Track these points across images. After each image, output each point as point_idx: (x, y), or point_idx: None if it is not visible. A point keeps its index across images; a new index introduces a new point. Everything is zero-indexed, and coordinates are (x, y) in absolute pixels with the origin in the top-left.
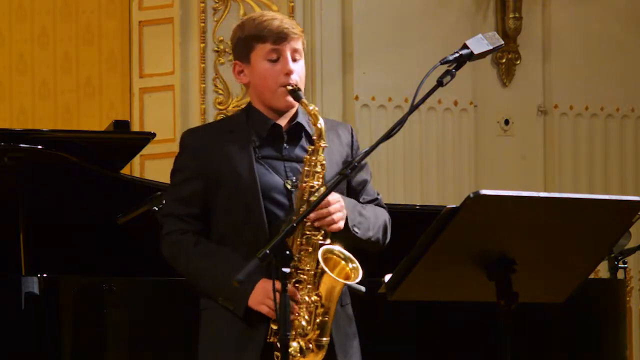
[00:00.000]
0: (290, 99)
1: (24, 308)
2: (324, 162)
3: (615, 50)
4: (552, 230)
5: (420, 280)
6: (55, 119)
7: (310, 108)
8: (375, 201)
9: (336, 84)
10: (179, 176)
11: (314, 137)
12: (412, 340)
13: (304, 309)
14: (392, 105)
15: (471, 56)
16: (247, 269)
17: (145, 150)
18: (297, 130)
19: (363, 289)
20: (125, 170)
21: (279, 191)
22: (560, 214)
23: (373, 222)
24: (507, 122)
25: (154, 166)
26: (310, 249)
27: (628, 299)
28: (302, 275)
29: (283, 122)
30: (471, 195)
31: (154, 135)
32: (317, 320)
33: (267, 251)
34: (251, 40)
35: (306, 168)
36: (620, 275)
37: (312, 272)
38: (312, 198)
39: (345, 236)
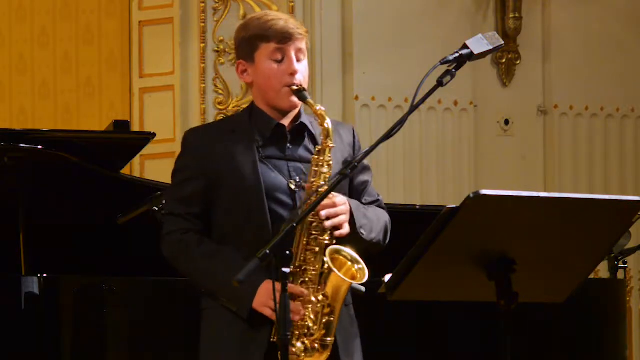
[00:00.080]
0: (294, 99)
1: (24, 308)
2: (330, 162)
3: (615, 50)
4: (552, 230)
5: (420, 280)
6: (55, 119)
7: (317, 108)
8: (376, 202)
9: (336, 84)
10: (181, 175)
11: (321, 137)
12: (412, 340)
13: (310, 309)
14: (392, 105)
15: (471, 56)
16: (247, 269)
17: (145, 150)
18: (300, 131)
19: (363, 289)
20: (125, 170)
21: (283, 191)
22: (560, 214)
23: (376, 223)
24: (507, 122)
25: (154, 166)
26: (317, 249)
27: (628, 299)
28: (307, 275)
29: (286, 122)
30: (471, 195)
31: (154, 135)
32: (324, 320)
33: (267, 251)
34: (256, 39)
35: (314, 168)
36: (620, 275)
37: (318, 273)
38: (313, 198)
39: (350, 238)
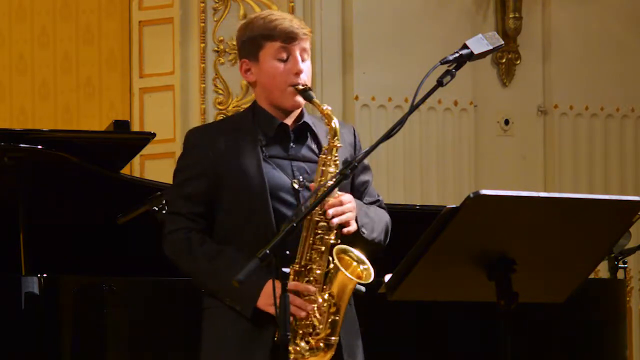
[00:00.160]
0: (298, 98)
1: (24, 308)
2: (337, 161)
3: (615, 50)
4: (552, 230)
5: (420, 280)
6: (55, 119)
7: (324, 107)
8: (377, 202)
9: (336, 84)
10: (184, 174)
11: (328, 137)
12: (412, 340)
13: (316, 307)
14: (392, 105)
15: (471, 56)
16: (247, 269)
17: (145, 150)
18: (303, 130)
19: (363, 289)
20: (125, 170)
21: (287, 190)
22: (560, 214)
23: (377, 223)
24: (507, 122)
25: (154, 166)
26: (323, 248)
27: (628, 299)
28: (312, 275)
29: (289, 121)
30: (471, 195)
31: (154, 135)
32: (329, 319)
33: (267, 251)
34: (260, 38)
35: (321, 167)
36: (620, 275)
37: (323, 272)
38: (319, 193)
39: (351, 237)
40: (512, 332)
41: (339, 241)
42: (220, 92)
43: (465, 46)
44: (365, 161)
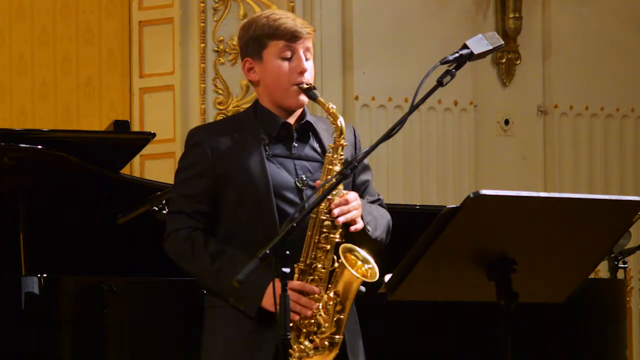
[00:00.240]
0: (302, 97)
1: (24, 308)
2: (343, 160)
3: (615, 50)
4: (552, 230)
5: (420, 280)
6: (55, 119)
7: (329, 106)
8: (377, 201)
9: (336, 84)
10: (187, 173)
11: (334, 135)
12: (412, 340)
13: (321, 306)
14: (392, 105)
15: (471, 56)
16: (247, 269)
17: (145, 150)
18: (306, 129)
19: (363, 288)
20: (125, 170)
21: (290, 189)
22: (560, 214)
23: (380, 221)
24: (507, 122)
25: (154, 166)
26: (328, 247)
27: (628, 299)
28: (316, 273)
29: (291, 120)
30: (471, 195)
31: (154, 135)
32: (335, 318)
33: (267, 251)
34: (264, 37)
35: (327, 166)
36: (620, 275)
37: (327, 270)
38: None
39: (355, 235)
40: (512, 332)
41: (344, 240)
42: (220, 92)
43: (465, 46)
44: (365, 161)
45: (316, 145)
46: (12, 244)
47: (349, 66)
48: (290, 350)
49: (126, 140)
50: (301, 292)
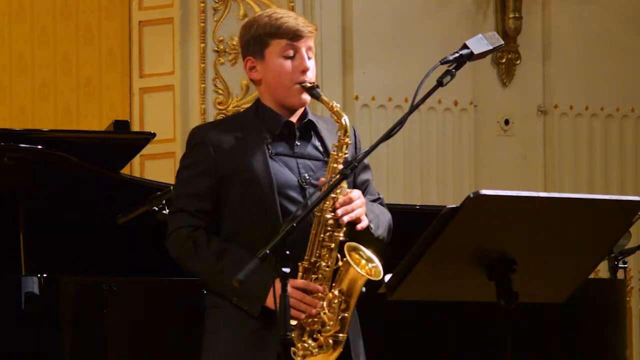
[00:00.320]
0: (305, 96)
1: (24, 308)
2: (347, 158)
3: (615, 50)
4: (552, 230)
5: (420, 280)
6: (55, 119)
7: (333, 105)
8: (377, 200)
9: (336, 84)
10: (190, 171)
11: (338, 134)
12: (412, 340)
13: (325, 304)
14: (392, 105)
15: (471, 56)
16: (248, 269)
17: (145, 150)
18: (308, 128)
19: (363, 289)
20: (125, 170)
21: (294, 188)
22: (560, 214)
23: (382, 219)
24: (507, 122)
25: (154, 166)
26: (332, 245)
27: (628, 299)
28: (320, 272)
29: (293, 119)
30: (471, 195)
31: (154, 135)
32: (340, 316)
33: (267, 251)
34: (266, 36)
35: (332, 164)
36: (620, 275)
37: (331, 269)
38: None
39: (358, 233)
40: (512, 332)
41: (347, 238)
42: (220, 92)
43: (465, 46)
44: (365, 160)
45: (318, 144)
46: (12, 244)
47: (349, 66)
48: (294, 349)
49: (126, 140)
50: (305, 291)
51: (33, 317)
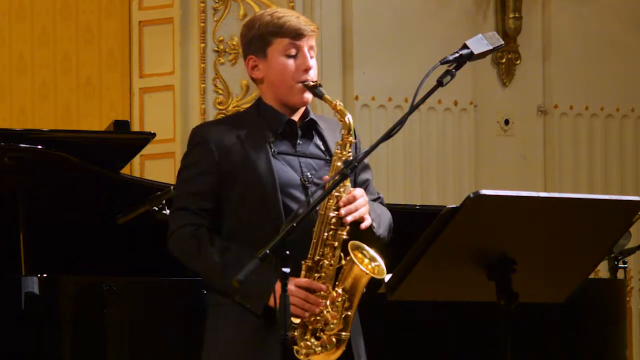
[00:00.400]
0: (307, 95)
1: (24, 308)
2: (350, 156)
3: (615, 50)
4: (552, 230)
5: (420, 280)
6: (55, 119)
7: (336, 103)
8: (377, 200)
9: (336, 84)
10: (192, 170)
11: (342, 132)
12: (412, 341)
13: (329, 303)
14: (392, 105)
15: (471, 56)
16: (248, 269)
17: (145, 150)
18: (309, 127)
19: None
20: (125, 170)
21: (296, 187)
22: (560, 214)
23: (383, 218)
24: (507, 122)
25: (154, 166)
26: (336, 244)
27: (628, 299)
28: (324, 270)
29: (295, 118)
30: (471, 195)
31: (154, 135)
32: (343, 315)
33: (267, 251)
34: (268, 35)
35: (336, 163)
36: (620, 275)
37: (335, 267)
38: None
39: (361, 232)
40: (512, 332)
41: (349, 237)
42: (220, 92)
43: (465, 46)
44: (366, 160)
45: (320, 143)
46: (12, 244)
47: (349, 66)
48: (297, 347)
49: (126, 140)
50: (308, 290)
51: (33, 317)
